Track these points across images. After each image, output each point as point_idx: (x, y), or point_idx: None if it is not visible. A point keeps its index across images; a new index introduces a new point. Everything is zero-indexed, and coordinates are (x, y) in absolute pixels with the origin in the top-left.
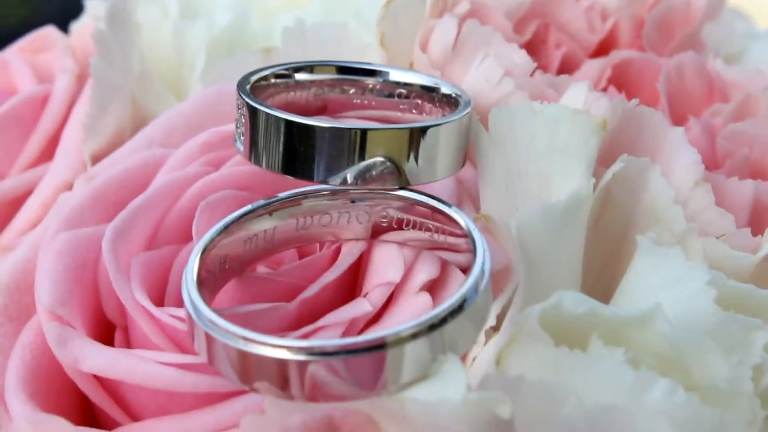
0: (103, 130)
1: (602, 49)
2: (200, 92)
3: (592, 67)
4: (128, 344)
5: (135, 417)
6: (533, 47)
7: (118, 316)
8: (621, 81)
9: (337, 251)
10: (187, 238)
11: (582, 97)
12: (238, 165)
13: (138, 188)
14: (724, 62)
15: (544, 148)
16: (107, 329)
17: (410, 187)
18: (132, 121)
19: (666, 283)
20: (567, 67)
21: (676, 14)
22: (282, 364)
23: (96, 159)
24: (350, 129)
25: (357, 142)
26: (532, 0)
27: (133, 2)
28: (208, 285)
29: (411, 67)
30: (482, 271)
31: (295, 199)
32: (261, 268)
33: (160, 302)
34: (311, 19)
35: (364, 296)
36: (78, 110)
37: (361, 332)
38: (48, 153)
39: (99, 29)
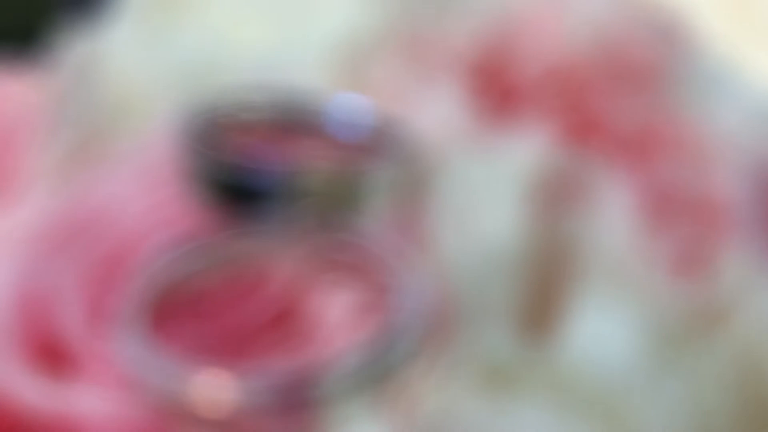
0: None
1: None
2: None
3: None
4: None
5: None
6: None
7: None
8: None
9: (275, 291)
10: None
11: None
12: None
13: None
14: None
15: (486, 189)
16: None
17: (345, 228)
18: None
19: None
20: None
21: None
22: None
23: None
24: (290, 171)
25: (298, 185)
26: None
27: None
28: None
29: None
30: (407, 314)
31: (227, 239)
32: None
33: None
34: None
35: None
36: None
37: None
38: None
39: None
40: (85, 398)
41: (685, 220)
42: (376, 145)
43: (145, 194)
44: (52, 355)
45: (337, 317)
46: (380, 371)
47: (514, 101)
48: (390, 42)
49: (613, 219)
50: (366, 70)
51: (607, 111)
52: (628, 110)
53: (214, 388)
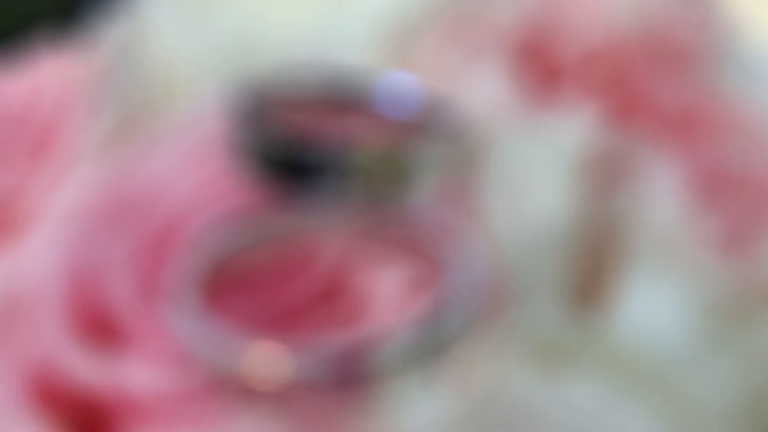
0: None
1: None
2: None
3: None
4: None
5: None
6: None
7: None
8: None
9: (325, 266)
10: None
11: None
12: None
13: None
14: None
15: (534, 166)
16: None
17: (396, 204)
18: None
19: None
20: None
21: None
22: None
23: None
24: (340, 147)
25: (348, 161)
26: None
27: None
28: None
29: None
30: (459, 288)
31: (277, 214)
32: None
33: None
34: None
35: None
36: None
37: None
38: None
39: None
40: (138, 372)
41: (732, 198)
42: (424, 123)
43: (193, 169)
44: (103, 330)
45: (388, 293)
46: (433, 346)
47: (556, 81)
48: (433, 20)
49: (661, 196)
50: (410, 49)
51: (650, 91)
52: (671, 90)
53: (268, 361)
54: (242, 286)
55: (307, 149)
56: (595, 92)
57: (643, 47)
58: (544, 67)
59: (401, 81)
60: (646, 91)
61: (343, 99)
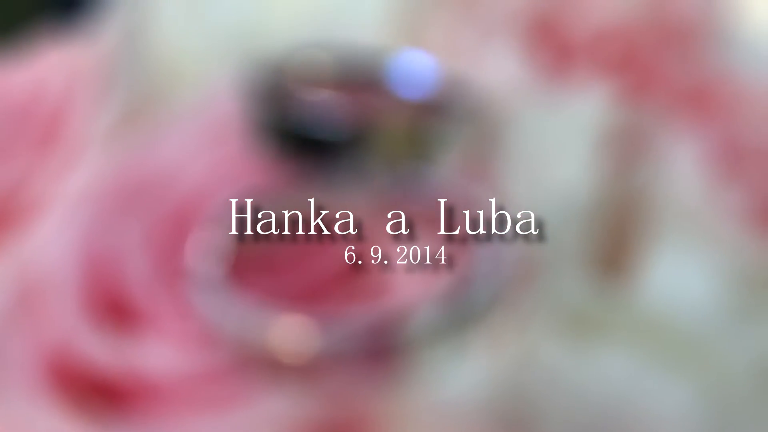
0: None
1: None
2: None
3: None
4: None
5: None
6: None
7: None
8: None
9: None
10: None
11: None
12: None
13: None
14: None
15: (554, 141)
16: None
17: (415, 180)
18: None
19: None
20: None
21: None
22: None
23: None
24: (357, 125)
25: (365, 138)
26: None
27: None
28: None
29: None
30: (485, 262)
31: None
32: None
33: None
34: None
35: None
36: None
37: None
38: None
39: None
40: (155, 354)
41: (752, 170)
42: (440, 101)
43: (207, 150)
44: (120, 313)
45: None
46: (461, 319)
47: (568, 59)
48: None
49: (682, 169)
50: (420, 27)
51: (662, 69)
52: (682, 68)
53: (295, 335)
54: (262, 264)
55: (325, 127)
56: (607, 70)
57: (653, 26)
58: (555, 45)
59: (416, 60)
60: (657, 69)
61: (358, 78)
